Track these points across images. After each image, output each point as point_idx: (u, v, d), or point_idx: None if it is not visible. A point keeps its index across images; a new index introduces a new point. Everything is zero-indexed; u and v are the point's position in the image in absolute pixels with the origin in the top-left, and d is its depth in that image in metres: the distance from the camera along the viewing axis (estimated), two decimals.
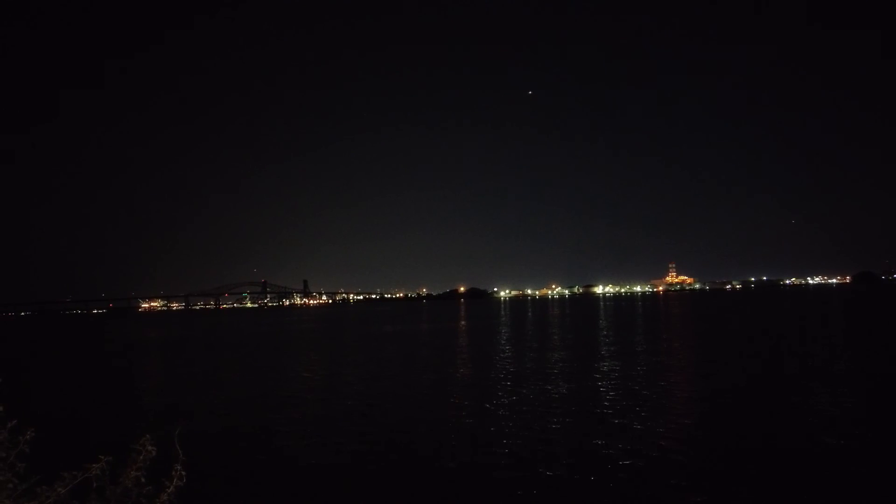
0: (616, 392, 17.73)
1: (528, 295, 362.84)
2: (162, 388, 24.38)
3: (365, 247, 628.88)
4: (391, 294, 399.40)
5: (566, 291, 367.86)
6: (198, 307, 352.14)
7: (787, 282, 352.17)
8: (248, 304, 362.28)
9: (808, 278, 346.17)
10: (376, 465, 11.27)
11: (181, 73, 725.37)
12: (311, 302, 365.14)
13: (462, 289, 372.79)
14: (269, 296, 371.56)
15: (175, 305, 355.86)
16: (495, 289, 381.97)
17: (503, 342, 37.90)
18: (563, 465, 10.71)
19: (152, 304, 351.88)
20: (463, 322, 69.08)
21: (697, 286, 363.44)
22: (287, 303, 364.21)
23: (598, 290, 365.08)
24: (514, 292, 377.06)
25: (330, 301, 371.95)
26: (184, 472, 2.94)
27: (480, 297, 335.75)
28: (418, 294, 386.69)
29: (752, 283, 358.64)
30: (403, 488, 9.89)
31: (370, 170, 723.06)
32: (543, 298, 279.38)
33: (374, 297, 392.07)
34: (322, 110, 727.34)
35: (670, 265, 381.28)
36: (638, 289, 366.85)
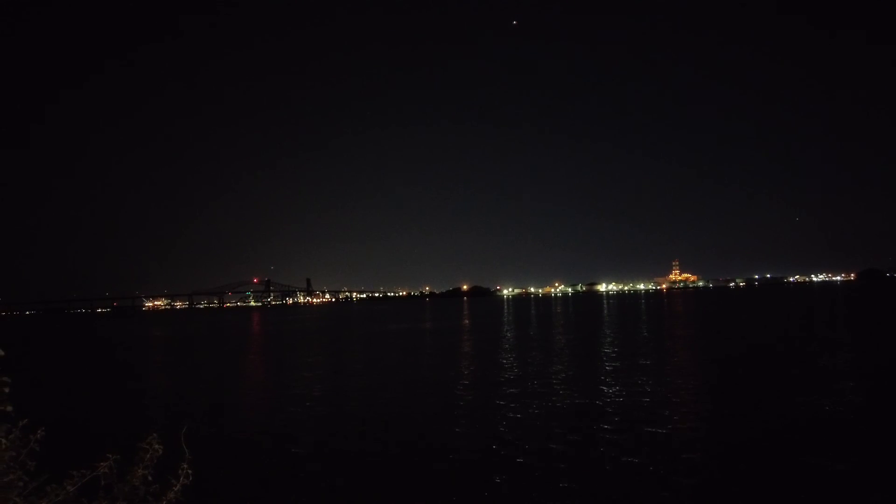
0: (620, 390, 17.73)
1: (532, 293, 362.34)
2: (168, 387, 24.50)
3: (368, 245, 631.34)
4: (394, 292, 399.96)
5: (569, 290, 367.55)
6: (201, 306, 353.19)
7: (792, 279, 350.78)
8: (252, 303, 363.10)
9: (813, 276, 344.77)
10: (381, 464, 11.33)
11: (184, 72, 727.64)
12: (315, 300, 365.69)
13: (465, 287, 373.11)
14: (272, 294, 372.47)
15: (179, 304, 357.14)
16: (499, 287, 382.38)
17: (506, 341, 37.90)
18: (566, 463, 10.75)
19: (156, 303, 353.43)
20: (466, 321, 69.07)
21: (701, 284, 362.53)
22: (291, 301, 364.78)
23: (602, 288, 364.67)
24: (517, 290, 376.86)
25: (333, 300, 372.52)
26: (190, 471, 3.00)
27: (484, 296, 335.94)
28: (421, 292, 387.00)
29: (755, 280, 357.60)
30: (406, 488, 9.94)
31: (374, 168, 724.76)
32: (547, 297, 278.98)
33: (377, 295, 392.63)
34: (325, 109, 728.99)
35: (674, 263, 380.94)
36: (641, 287, 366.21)
